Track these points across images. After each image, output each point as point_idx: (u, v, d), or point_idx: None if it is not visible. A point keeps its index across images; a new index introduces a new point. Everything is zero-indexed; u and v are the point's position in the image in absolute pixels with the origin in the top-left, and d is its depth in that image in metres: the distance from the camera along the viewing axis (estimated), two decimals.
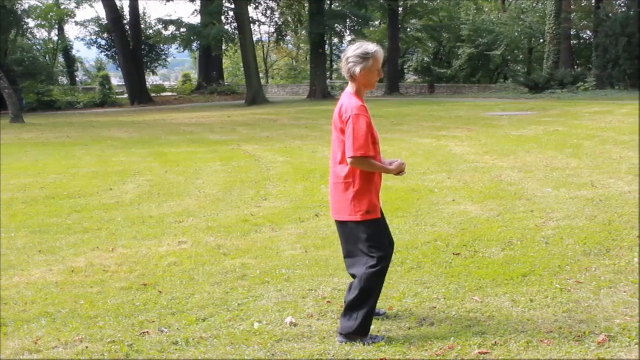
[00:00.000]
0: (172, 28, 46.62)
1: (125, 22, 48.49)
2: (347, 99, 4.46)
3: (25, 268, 6.57)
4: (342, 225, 4.58)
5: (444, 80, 50.32)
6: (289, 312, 5.05)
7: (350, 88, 4.53)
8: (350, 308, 4.49)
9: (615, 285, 5.39)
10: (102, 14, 52.42)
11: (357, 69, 4.42)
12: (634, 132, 15.73)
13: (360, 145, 4.30)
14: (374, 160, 4.40)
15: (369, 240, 4.47)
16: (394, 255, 6.43)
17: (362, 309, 4.46)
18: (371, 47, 4.46)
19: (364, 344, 4.42)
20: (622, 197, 8.74)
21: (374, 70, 4.46)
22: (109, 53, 54.48)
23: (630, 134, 15.42)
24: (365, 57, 4.41)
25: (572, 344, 4.30)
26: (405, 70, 56.29)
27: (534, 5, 49.06)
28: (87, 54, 64.41)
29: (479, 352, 4.24)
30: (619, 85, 35.21)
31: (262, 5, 52.99)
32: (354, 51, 4.45)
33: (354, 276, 4.54)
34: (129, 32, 47.40)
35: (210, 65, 53.43)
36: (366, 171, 4.44)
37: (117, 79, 59.70)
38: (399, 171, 4.59)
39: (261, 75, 53.76)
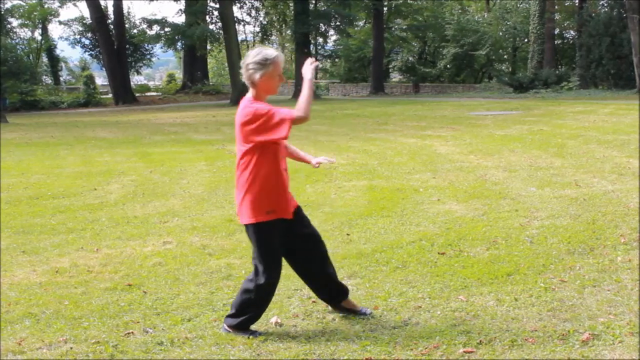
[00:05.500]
0: (156, 27, 46.49)
1: (109, 21, 48.22)
2: (242, 106, 4.46)
3: (9, 269, 6.53)
4: (245, 228, 4.66)
5: (428, 79, 50.44)
6: (274, 312, 5.04)
7: (249, 94, 4.51)
8: (238, 306, 4.68)
9: (599, 284, 5.43)
10: (86, 13, 52.01)
11: (257, 75, 4.41)
12: (617, 131, 15.85)
13: (281, 119, 4.30)
14: (293, 111, 4.32)
15: (261, 249, 4.55)
16: (379, 254, 6.49)
17: (247, 313, 4.65)
18: (271, 52, 4.45)
19: (248, 337, 4.58)
20: (605, 196, 8.79)
21: (274, 75, 4.44)
22: (93, 52, 54.09)
23: (614, 133, 15.53)
24: (264, 63, 4.40)
25: (556, 343, 4.33)
26: (390, 70, 56.36)
27: (518, 5, 49.26)
28: (71, 54, 63.99)
29: (464, 351, 4.25)
30: (602, 85, 35.47)
31: (246, 4, 52.98)
32: (253, 57, 4.43)
33: None
34: (113, 32, 47.13)
35: (194, 64, 53.25)
36: (265, 174, 4.45)
37: (101, 79, 59.31)
38: (310, 67, 4.46)
39: None
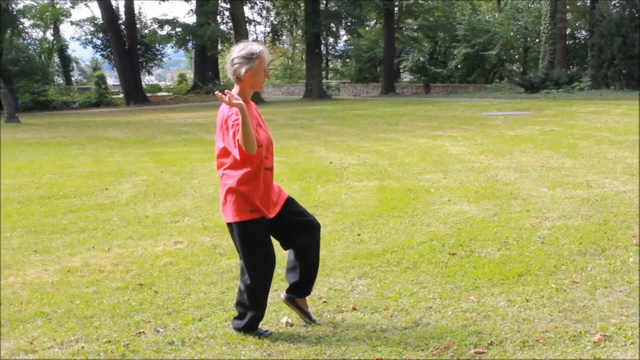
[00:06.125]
0: (167, 28, 46.61)
1: (121, 21, 48.38)
2: (224, 106, 4.39)
3: (21, 268, 6.56)
4: (228, 227, 4.61)
5: (439, 80, 50.38)
6: (285, 312, 5.04)
7: (235, 90, 4.47)
8: (239, 307, 4.67)
9: (611, 285, 5.41)
10: (98, 13, 52.08)
11: (243, 70, 4.36)
12: (629, 131, 15.77)
13: (235, 143, 4.20)
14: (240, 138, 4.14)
15: (244, 248, 4.47)
16: (390, 254, 6.48)
17: (248, 315, 4.62)
18: (256, 47, 4.41)
19: (258, 337, 4.56)
20: (617, 197, 8.75)
21: (260, 70, 4.39)
22: (104, 53, 54.33)
23: (626, 133, 15.45)
24: (250, 57, 4.36)
25: (567, 344, 4.31)
26: (401, 70, 56.32)
27: (529, 5, 49.12)
28: (83, 54, 64.19)
29: (475, 352, 4.24)
30: (614, 85, 35.28)
31: (257, 4, 53.02)
32: (238, 52, 4.39)
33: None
34: (124, 32, 47.28)
35: (205, 64, 53.28)
36: (247, 173, 4.36)
37: (112, 79, 59.45)
38: (231, 103, 4.15)
39: None
